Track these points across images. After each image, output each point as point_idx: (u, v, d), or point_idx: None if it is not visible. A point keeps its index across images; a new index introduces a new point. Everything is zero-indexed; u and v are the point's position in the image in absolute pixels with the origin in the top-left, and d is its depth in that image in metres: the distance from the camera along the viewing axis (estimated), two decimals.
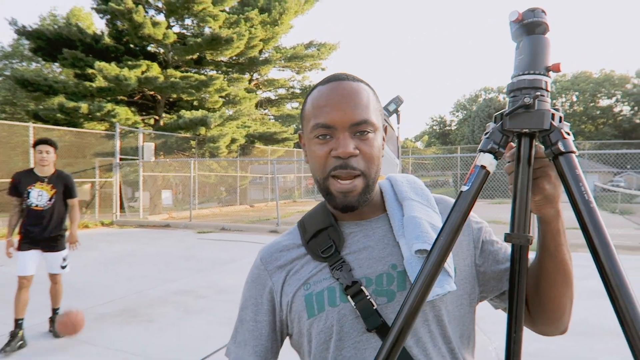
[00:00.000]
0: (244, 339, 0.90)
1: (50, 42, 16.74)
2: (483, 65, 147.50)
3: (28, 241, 3.87)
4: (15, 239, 3.90)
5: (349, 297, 0.80)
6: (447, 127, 67.87)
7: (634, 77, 53.27)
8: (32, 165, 4.24)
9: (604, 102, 55.76)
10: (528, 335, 3.42)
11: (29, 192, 3.87)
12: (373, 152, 0.81)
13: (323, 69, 24.11)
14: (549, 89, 0.70)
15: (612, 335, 3.91)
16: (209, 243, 9.57)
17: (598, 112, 55.26)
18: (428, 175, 44.60)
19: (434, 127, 70.15)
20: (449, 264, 0.80)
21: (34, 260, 3.89)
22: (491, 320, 4.28)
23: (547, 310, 0.86)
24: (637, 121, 52.46)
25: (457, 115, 65.26)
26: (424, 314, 0.81)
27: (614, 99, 54.88)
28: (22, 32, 16.90)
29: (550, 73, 0.70)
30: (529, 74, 0.70)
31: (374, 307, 0.79)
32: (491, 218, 13.52)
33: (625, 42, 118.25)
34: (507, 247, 0.92)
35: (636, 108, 52.92)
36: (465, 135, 35.70)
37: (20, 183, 3.88)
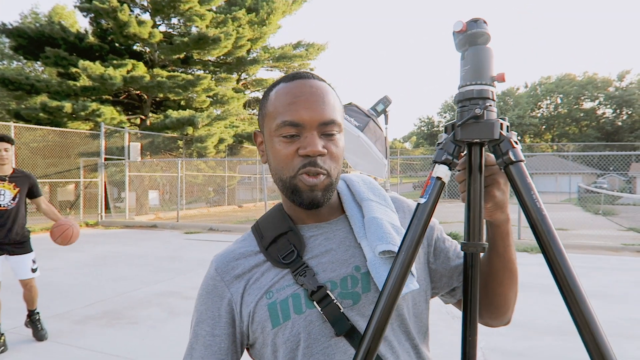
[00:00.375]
0: (201, 355, 0.84)
1: (31, 40, 16.44)
2: None
3: None
4: None
5: (314, 302, 0.78)
6: (435, 128, 68.41)
7: (615, 80, 54.25)
8: (14, 164, 4.04)
9: (587, 105, 56.72)
10: (515, 334, 3.45)
11: None
12: (338, 152, 0.81)
13: (311, 69, 24.09)
14: (495, 98, 0.73)
15: None
16: (197, 244, 9.46)
17: (582, 115, 56.17)
18: (416, 175, 44.86)
19: (422, 128, 70.67)
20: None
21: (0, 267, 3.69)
22: None
23: (495, 306, 0.89)
24: (619, 123, 53.42)
25: (445, 116, 65.80)
26: None
27: (597, 101, 55.84)
28: (2, 30, 16.57)
29: (496, 83, 0.73)
30: (476, 84, 0.72)
31: (341, 311, 0.78)
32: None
33: (608, 44, 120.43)
34: (457, 245, 0.94)
35: (618, 111, 53.90)
36: None
37: None
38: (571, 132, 57.52)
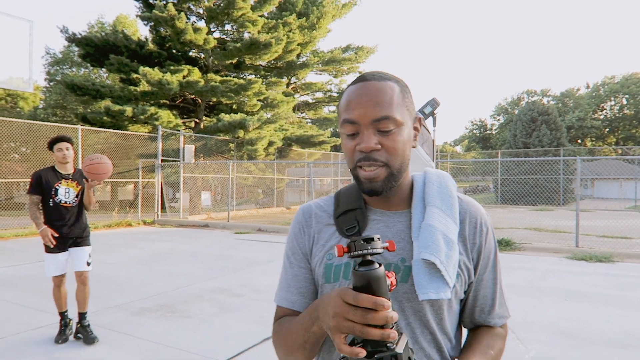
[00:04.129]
0: (288, 283, 1.00)
1: (98, 48, 17.51)
2: (525, 67, 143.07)
3: (56, 241, 3.79)
4: (49, 230, 3.78)
5: None
6: (488, 131, 66.17)
7: None
8: (80, 166, 4.25)
9: None
10: (566, 345, 3.34)
11: (56, 189, 3.83)
12: (396, 146, 0.88)
13: (360, 72, 24.05)
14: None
15: (613, 344, 3.70)
16: (246, 243, 9.72)
17: None
18: (467, 180, 43.62)
19: (474, 131, 68.53)
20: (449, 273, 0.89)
21: (64, 258, 3.90)
22: (525, 328, 4.14)
23: None
24: None
25: (498, 119, 63.52)
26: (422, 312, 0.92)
27: None
28: (72, 39, 17.76)
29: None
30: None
31: None
32: (532, 225, 13.09)
33: None
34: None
35: None
36: (506, 140, 34.70)
37: (44, 181, 3.83)
38: (638, 134, 53.85)
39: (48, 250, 3.83)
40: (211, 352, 3.61)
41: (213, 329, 4.17)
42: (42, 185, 3.82)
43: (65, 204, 3.87)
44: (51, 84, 33.04)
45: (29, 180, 3.91)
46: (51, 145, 3.89)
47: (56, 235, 3.80)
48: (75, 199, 3.93)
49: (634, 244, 9.59)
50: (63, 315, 3.89)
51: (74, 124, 15.62)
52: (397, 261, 0.91)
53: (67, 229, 3.88)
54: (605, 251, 8.20)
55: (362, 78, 0.90)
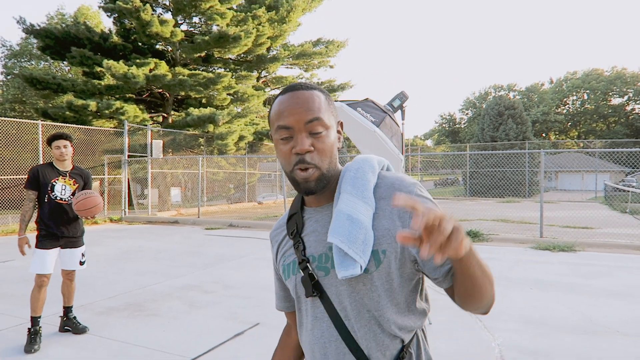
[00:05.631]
0: (275, 289, 1.24)
1: (58, 40, 16.88)
2: (493, 62, 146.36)
3: (49, 238, 3.75)
4: (29, 234, 3.75)
5: (300, 269, 1.05)
6: (457, 125, 67.45)
7: None
8: (41, 162, 4.15)
9: (615, 101, 55.09)
10: (533, 332, 3.42)
11: (53, 185, 3.77)
12: (325, 148, 0.98)
13: (331, 67, 24.08)
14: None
15: (617, 334, 3.85)
16: (217, 239, 9.60)
17: (610, 111, 54.62)
18: (437, 173, 44.38)
19: (444, 125, 69.76)
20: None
21: (53, 258, 3.78)
22: (493, 317, 4.24)
23: (471, 301, 0.97)
24: None
25: (467, 113, 64.82)
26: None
27: (625, 97, 54.17)
28: (30, 30, 17.06)
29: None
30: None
31: (316, 279, 1.02)
32: (499, 216, 13.43)
33: (639, 38, 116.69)
34: None
35: None
36: (474, 134, 35.43)
37: (42, 176, 3.75)
38: (598, 128, 56.01)
39: (39, 245, 3.73)
40: (182, 349, 3.54)
41: (183, 327, 4.09)
42: (39, 180, 3.75)
43: (60, 201, 3.79)
44: (8, 77, 31.69)
45: (19, 177, 3.82)
46: (50, 142, 3.84)
47: (29, 246, 3.72)
48: (71, 196, 3.85)
49: (595, 233, 9.97)
50: (35, 320, 3.66)
51: (34, 119, 15.02)
52: (326, 250, 1.02)
53: (61, 226, 3.79)
54: (568, 241, 8.50)
55: (291, 88, 1.00)
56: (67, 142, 3.86)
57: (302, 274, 1.04)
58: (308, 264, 1.03)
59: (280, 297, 1.22)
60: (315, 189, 0.99)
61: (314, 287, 1.02)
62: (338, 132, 1.03)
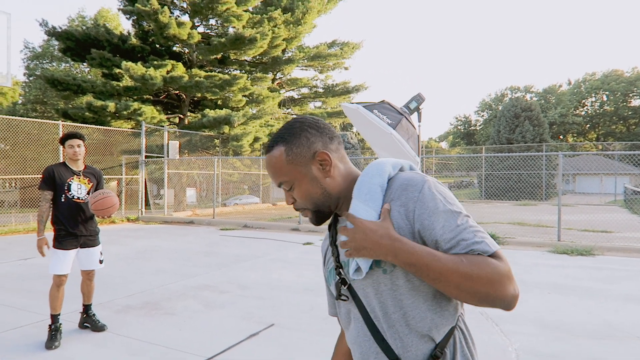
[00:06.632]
0: (327, 296, 1.30)
1: (79, 42, 17.19)
2: (509, 63, 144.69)
3: (69, 237, 3.77)
4: (48, 233, 3.78)
5: (336, 275, 1.13)
6: (472, 127, 66.81)
7: None
8: (61, 160, 4.19)
9: (636, 102, 53.96)
10: (549, 337, 3.37)
11: (69, 185, 3.79)
12: (301, 195, 1.10)
13: (346, 68, 24.08)
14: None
15: (637, 339, 3.78)
16: (232, 240, 9.66)
17: (630, 113, 53.54)
18: (452, 175, 43.98)
19: (459, 127, 69.16)
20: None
21: (72, 258, 3.83)
22: (510, 321, 4.19)
23: (465, 300, 0.96)
24: None
25: (483, 115, 64.16)
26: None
27: None
28: (52, 33, 17.40)
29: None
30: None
31: (348, 283, 1.09)
32: (515, 220, 13.26)
33: None
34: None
35: None
36: (490, 136, 35.06)
37: (57, 176, 3.77)
38: (618, 130, 54.95)
39: (58, 245, 3.76)
40: (197, 349, 3.58)
41: (199, 326, 4.13)
42: (55, 180, 3.77)
43: (77, 200, 3.83)
44: (30, 78, 32.37)
45: (40, 176, 3.87)
46: (63, 141, 3.86)
47: (48, 246, 3.76)
48: (87, 195, 3.89)
49: (614, 237, 9.78)
50: (55, 318, 3.74)
51: (55, 120, 15.32)
52: None
53: (80, 225, 3.84)
54: (586, 245, 8.35)
55: (267, 151, 1.12)
56: (81, 142, 3.87)
57: (337, 278, 1.12)
58: (341, 270, 1.11)
59: (330, 303, 1.28)
60: (316, 223, 1.14)
61: (348, 290, 1.10)
62: (320, 162, 1.07)
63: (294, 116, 27.30)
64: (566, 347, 3.63)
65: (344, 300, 1.11)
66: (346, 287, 1.09)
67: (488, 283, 0.90)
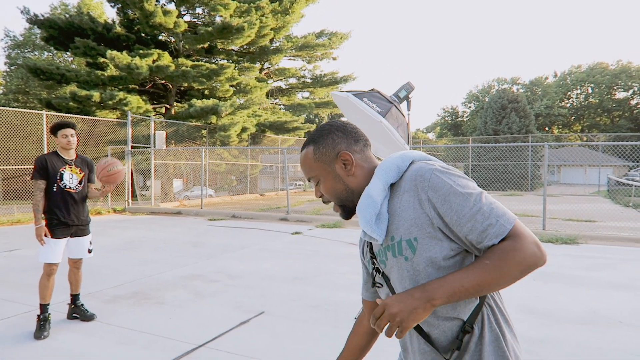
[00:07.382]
0: (362, 279, 1.40)
1: (62, 31, 16.85)
2: (496, 55, 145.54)
3: (60, 227, 3.78)
4: (43, 232, 3.74)
5: (371, 263, 1.27)
6: (459, 118, 67.18)
7: None
8: (46, 151, 4.17)
9: (620, 95, 54.73)
10: (535, 322, 3.44)
11: (62, 174, 3.79)
12: (326, 191, 1.23)
13: (334, 58, 24.00)
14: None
15: (620, 325, 3.88)
16: (220, 230, 9.64)
17: (614, 105, 54.30)
18: None
19: (446, 118, 69.46)
20: None
21: (63, 247, 3.83)
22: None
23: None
24: None
25: (470, 107, 64.53)
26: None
27: (630, 91, 53.82)
28: (34, 21, 17.03)
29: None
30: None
31: (382, 271, 1.22)
32: None
33: None
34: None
35: None
36: (477, 127, 35.31)
37: (50, 165, 3.76)
38: (602, 122, 55.73)
39: (51, 234, 3.75)
40: (187, 336, 3.58)
41: (188, 315, 4.13)
42: (48, 169, 3.75)
43: (69, 189, 3.83)
44: (12, 68, 31.68)
45: (23, 167, 3.83)
46: (55, 130, 3.82)
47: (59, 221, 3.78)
48: (79, 185, 3.90)
49: (597, 226, 9.97)
50: (44, 308, 3.70)
51: (38, 110, 15.04)
52: (385, 245, 1.18)
53: (72, 214, 3.83)
54: (570, 234, 8.51)
55: (301, 148, 1.27)
56: (73, 131, 3.88)
57: (373, 266, 1.24)
58: (375, 260, 1.23)
59: (365, 287, 1.38)
60: (345, 217, 1.26)
61: (382, 277, 1.21)
62: (343, 162, 1.19)
63: (282, 107, 27.05)
64: (552, 333, 3.71)
65: (379, 287, 1.22)
66: (380, 274, 1.21)
67: (518, 268, 0.99)
